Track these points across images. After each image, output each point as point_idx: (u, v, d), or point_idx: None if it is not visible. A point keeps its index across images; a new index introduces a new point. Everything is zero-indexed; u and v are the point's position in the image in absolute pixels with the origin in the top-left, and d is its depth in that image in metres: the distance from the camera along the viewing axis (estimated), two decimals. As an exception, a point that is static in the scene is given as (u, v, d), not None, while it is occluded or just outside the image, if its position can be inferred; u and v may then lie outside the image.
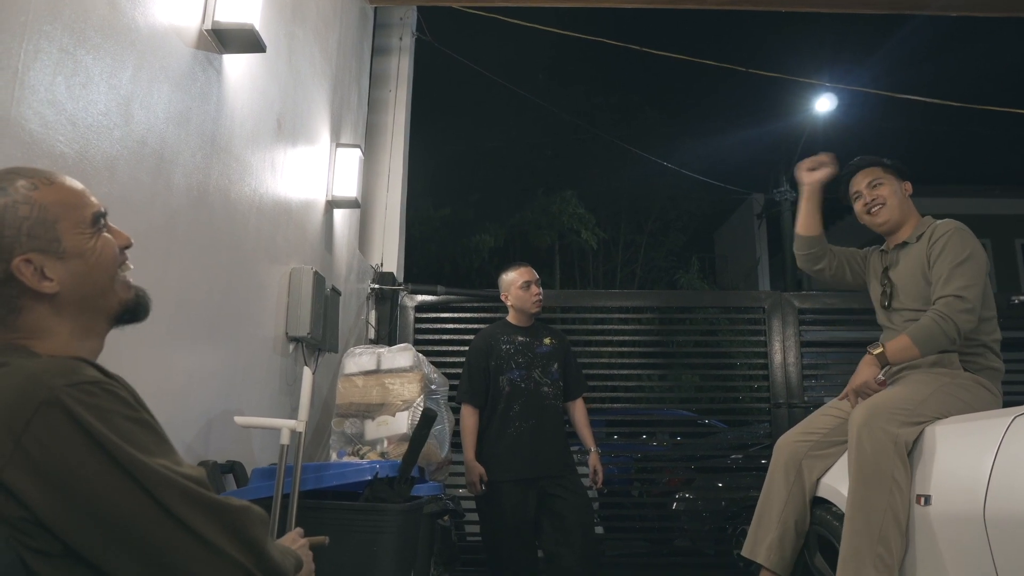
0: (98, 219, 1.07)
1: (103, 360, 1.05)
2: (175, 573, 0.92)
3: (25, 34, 1.42)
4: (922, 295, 2.35)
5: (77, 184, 1.07)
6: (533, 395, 3.21)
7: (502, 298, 3.41)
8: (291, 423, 2.06)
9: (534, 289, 3.32)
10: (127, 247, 1.11)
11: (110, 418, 0.92)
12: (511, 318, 3.39)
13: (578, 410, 3.42)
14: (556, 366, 3.30)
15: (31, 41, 1.44)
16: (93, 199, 1.07)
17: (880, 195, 2.53)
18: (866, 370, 2.27)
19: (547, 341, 3.34)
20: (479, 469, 3.11)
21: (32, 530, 0.89)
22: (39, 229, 1.00)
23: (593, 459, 3.32)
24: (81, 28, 1.61)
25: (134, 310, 1.10)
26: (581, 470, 3.37)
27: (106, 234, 1.07)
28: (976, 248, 2.30)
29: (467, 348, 4.52)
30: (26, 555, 0.89)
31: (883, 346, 2.26)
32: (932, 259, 2.32)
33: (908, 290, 2.42)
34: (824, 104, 10.83)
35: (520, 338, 3.30)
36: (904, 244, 2.48)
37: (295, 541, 1.26)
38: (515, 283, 3.34)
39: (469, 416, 3.22)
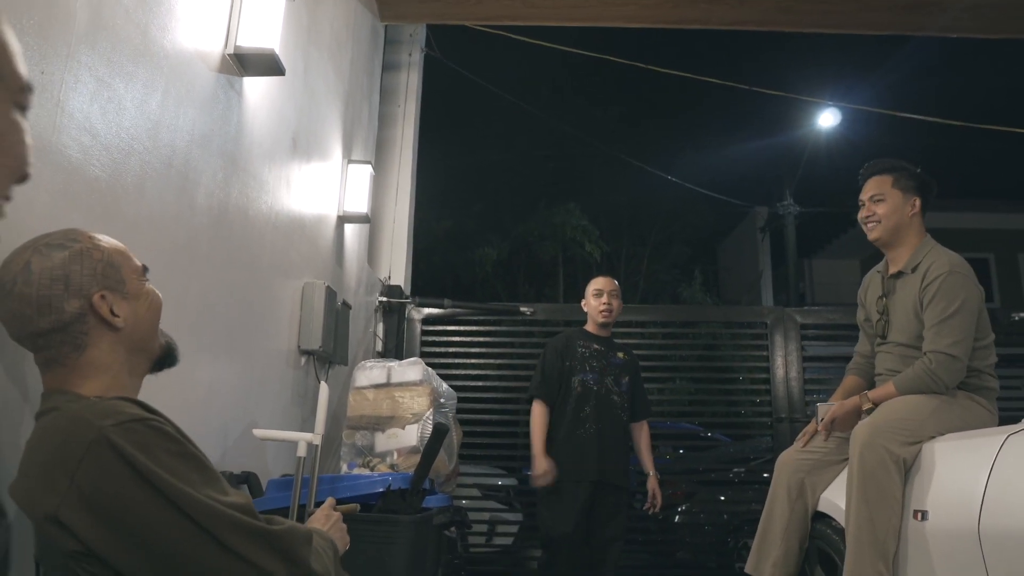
0: (145, 270, 1.20)
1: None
2: None
3: (68, 64, 1.50)
4: (914, 332, 2.41)
5: (119, 243, 1.20)
6: (604, 400, 3.28)
7: (582, 304, 3.52)
8: (308, 436, 2.12)
9: (604, 299, 3.39)
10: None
11: (156, 453, 0.97)
12: (588, 326, 3.47)
13: (642, 433, 3.47)
14: (627, 379, 3.38)
15: (71, 71, 1.51)
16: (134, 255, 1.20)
17: (876, 212, 2.52)
18: (852, 418, 2.37)
19: (620, 355, 3.43)
20: (548, 462, 3.17)
21: (88, 560, 0.95)
22: (109, 271, 1.12)
23: (651, 483, 3.38)
24: (117, 57, 1.68)
25: (172, 355, 1.23)
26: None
27: (150, 285, 1.20)
28: (968, 293, 2.31)
29: (474, 362, 4.61)
30: None
31: (872, 403, 2.35)
32: (924, 303, 2.36)
33: (901, 324, 2.48)
34: (827, 119, 10.93)
35: (596, 346, 3.38)
36: (900, 274, 2.51)
37: (329, 516, 1.34)
38: (590, 291, 3.45)
39: (539, 410, 3.29)
